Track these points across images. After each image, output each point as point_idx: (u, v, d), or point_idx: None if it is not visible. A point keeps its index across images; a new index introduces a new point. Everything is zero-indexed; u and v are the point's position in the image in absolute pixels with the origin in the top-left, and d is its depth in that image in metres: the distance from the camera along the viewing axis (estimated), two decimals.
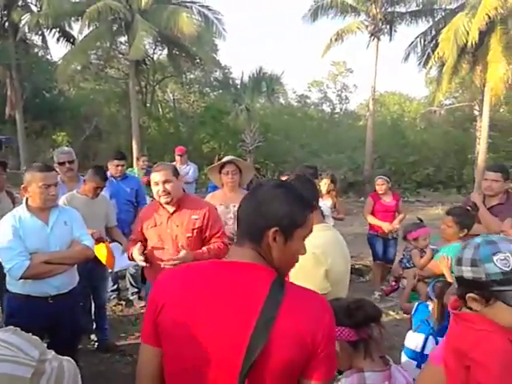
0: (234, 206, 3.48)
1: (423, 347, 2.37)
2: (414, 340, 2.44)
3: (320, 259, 1.84)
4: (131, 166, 8.55)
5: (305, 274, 1.91)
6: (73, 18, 14.58)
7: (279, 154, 19.27)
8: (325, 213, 3.45)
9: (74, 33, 15.15)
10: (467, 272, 1.15)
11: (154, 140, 19.91)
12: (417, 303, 2.76)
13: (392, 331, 3.75)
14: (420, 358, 2.37)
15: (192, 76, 21.90)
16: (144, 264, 2.71)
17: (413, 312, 2.75)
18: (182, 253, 2.58)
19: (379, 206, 5.29)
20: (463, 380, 1.17)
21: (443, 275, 2.92)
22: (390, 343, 3.42)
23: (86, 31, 14.17)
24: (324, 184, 5.12)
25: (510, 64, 13.76)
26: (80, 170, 4.21)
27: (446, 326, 2.34)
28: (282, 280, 1.11)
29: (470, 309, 1.18)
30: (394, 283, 3.53)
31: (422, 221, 3.29)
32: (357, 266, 6.92)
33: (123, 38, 16.33)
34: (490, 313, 1.13)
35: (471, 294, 1.15)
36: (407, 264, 3.20)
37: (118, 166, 4.59)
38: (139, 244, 2.74)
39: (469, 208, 3.13)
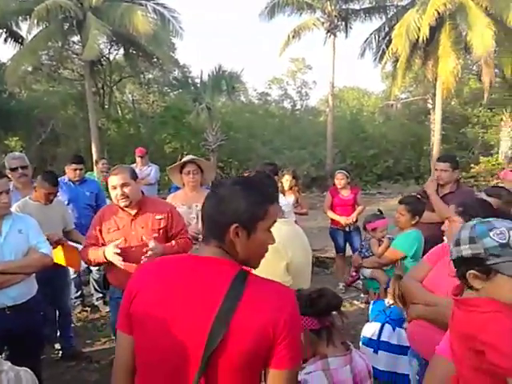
0: (197, 206, 3.47)
1: (379, 334, 2.48)
2: (370, 329, 2.57)
3: (280, 252, 1.89)
4: (91, 170, 8.32)
5: (266, 267, 1.95)
6: (20, 17, 13.96)
7: (242, 152, 19.32)
8: (286, 209, 3.51)
9: (23, 33, 14.51)
10: (466, 250, 1.18)
11: (114, 142, 19.43)
12: (372, 302, 2.90)
13: (356, 320, 3.86)
14: (376, 345, 2.49)
15: (150, 76, 21.51)
16: (121, 262, 2.59)
17: (370, 307, 2.87)
18: (151, 243, 2.61)
19: (338, 201, 5.44)
20: (473, 365, 1.17)
21: (400, 260, 3.05)
22: (355, 331, 3.54)
23: (35, 31, 13.59)
24: (286, 180, 5.19)
25: (458, 58, 14.41)
26: (38, 175, 4.05)
27: (402, 318, 2.47)
28: (244, 273, 1.15)
29: (471, 288, 1.20)
30: (354, 273, 3.65)
31: (381, 212, 3.42)
32: (321, 259, 7.08)
33: (76, 38, 15.78)
34: (492, 288, 1.15)
35: (472, 271, 1.17)
36: (366, 253, 3.32)
37: (75, 169, 4.47)
38: (117, 242, 2.65)
39: (419, 196, 3.28)
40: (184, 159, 3.52)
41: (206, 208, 1.22)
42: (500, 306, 1.15)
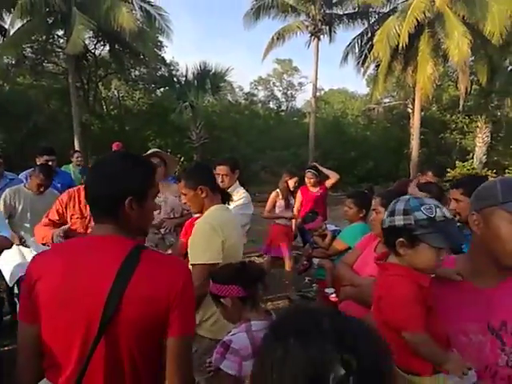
0: (159, 197, 3.63)
1: None
2: None
3: (217, 231, 2.11)
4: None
5: (205, 241, 2.15)
6: (4, 10, 13.88)
7: (226, 151, 19.43)
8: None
9: (6, 25, 14.42)
10: (399, 220, 1.33)
11: (98, 138, 19.37)
12: None
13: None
14: None
15: (137, 73, 21.52)
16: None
17: None
18: None
19: (307, 197, 5.64)
20: (382, 321, 1.32)
21: (346, 250, 3.26)
22: None
23: (18, 24, 13.53)
24: (294, 182, 5.32)
25: (436, 65, 14.82)
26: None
27: None
28: (139, 248, 1.22)
29: (397, 255, 1.36)
30: (305, 262, 3.87)
31: (317, 213, 3.59)
32: (293, 255, 7.32)
33: (61, 32, 15.74)
34: (414, 255, 1.31)
35: (401, 239, 1.32)
36: (315, 245, 3.53)
37: (47, 161, 4.59)
38: (65, 227, 2.69)
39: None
40: (147, 152, 3.66)
41: (94, 188, 1.25)
42: (406, 271, 1.32)
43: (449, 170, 15.93)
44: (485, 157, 17.45)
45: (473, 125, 18.66)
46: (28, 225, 3.73)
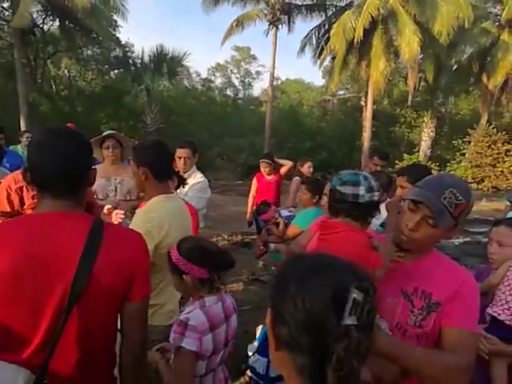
0: (116, 179, 3.62)
1: (267, 370, 2.60)
2: (256, 363, 2.69)
3: (152, 234, 1.97)
4: (18, 144, 8.02)
5: None
6: None
7: (182, 137, 19.09)
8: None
9: None
10: (377, 196, 1.59)
11: (48, 119, 18.45)
12: (261, 326, 3.10)
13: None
14: (268, 381, 2.55)
15: (89, 52, 20.63)
16: None
17: (259, 330, 3.11)
18: None
19: (262, 184, 5.81)
20: None
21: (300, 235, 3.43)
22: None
23: None
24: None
25: (388, 61, 15.42)
26: None
27: None
28: (100, 222, 1.28)
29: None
30: (262, 247, 4.02)
31: (268, 204, 3.74)
32: (246, 240, 7.50)
33: (6, 4, 14.77)
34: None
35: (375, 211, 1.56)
36: (270, 232, 3.67)
37: None
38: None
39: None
40: (104, 134, 3.63)
41: (49, 168, 1.21)
42: (352, 227, 1.51)
43: (397, 162, 16.75)
44: (429, 150, 18.46)
45: (420, 120, 19.64)
46: None
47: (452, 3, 14.38)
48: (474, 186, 17.33)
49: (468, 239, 8.48)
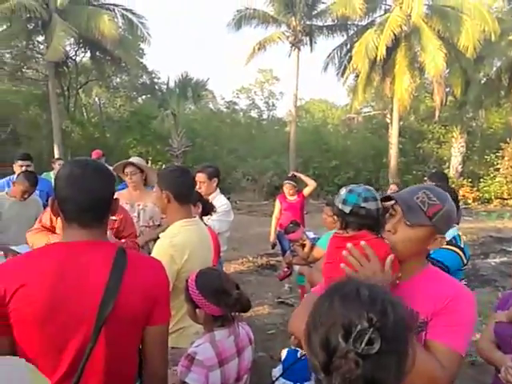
0: (139, 205, 3.68)
1: None
2: None
3: (175, 259, 2.01)
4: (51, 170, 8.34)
5: None
6: None
7: (208, 159, 19.43)
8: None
9: None
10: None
11: (79, 145, 19.19)
12: (286, 349, 3.09)
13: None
14: None
15: (118, 80, 21.46)
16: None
17: (284, 353, 3.09)
18: (108, 233, 2.73)
19: (286, 205, 5.77)
20: None
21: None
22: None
23: None
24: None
25: (413, 77, 15.27)
26: None
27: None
28: (123, 250, 1.32)
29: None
30: (286, 269, 3.96)
31: (298, 224, 3.69)
32: (272, 262, 7.41)
33: (41, 38, 15.64)
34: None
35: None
36: (295, 253, 3.61)
37: (21, 166, 4.57)
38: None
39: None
40: (122, 161, 3.73)
41: (76, 196, 1.26)
42: (376, 236, 1.49)
43: (425, 178, 16.33)
44: (460, 166, 17.96)
45: (449, 135, 19.19)
46: (12, 233, 3.72)
47: (477, 17, 14.22)
48: (511, 202, 16.66)
49: (505, 259, 8.08)
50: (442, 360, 1.22)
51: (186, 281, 1.73)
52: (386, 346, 0.78)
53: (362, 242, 1.33)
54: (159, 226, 3.64)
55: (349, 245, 1.33)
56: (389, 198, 1.42)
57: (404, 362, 0.83)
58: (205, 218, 3.12)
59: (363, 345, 0.77)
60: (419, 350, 1.18)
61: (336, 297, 0.87)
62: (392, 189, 3.91)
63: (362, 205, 1.55)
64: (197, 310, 1.69)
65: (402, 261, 1.34)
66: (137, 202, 3.63)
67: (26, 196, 3.73)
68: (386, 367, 0.79)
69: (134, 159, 3.75)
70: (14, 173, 4.71)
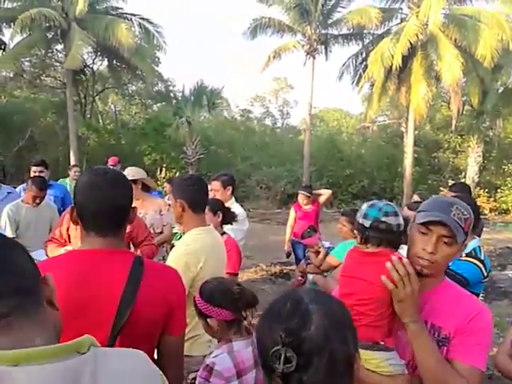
0: (140, 213, 3.69)
1: None
2: None
3: (189, 267, 2.02)
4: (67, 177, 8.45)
5: None
6: (4, 24, 14.08)
7: (222, 167, 19.48)
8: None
9: (6, 39, 14.61)
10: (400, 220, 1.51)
11: (94, 151, 19.44)
12: None
13: None
14: None
15: (134, 88, 21.76)
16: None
17: None
18: None
19: (301, 214, 5.73)
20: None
21: (338, 266, 3.29)
22: None
23: (18, 38, 13.74)
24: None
25: (430, 86, 15.13)
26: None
27: None
28: (140, 258, 1.33)
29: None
30: (300, 278, 3.89)
31: (315, 229, 3.64)
32: (286, 271, 7.34)
33: (60, 46, 15.96)
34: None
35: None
36: (309, 261, 3.56)
37: (34, 172, 4.65)
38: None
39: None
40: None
41: (97, 204, 1.27)
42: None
43: (442, 188, 16.11)
44: (477, 176, 17.66)
45: (465, 144, 18.92)
46: (28, 238, 3.76)
47: (495, 26, 14.05)
48: None
49: None
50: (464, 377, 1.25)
51: (194, 297, 1.74)
52: (305, 361, 0.78)
53: (405, 260, 1.31)
54: (161, 233, 3.66)
55: (394, 258, 1.31)
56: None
57: (342, 368, 0.81)
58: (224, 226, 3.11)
59: (281, 364, 0.78)
60: (445, 363, 1.23)
61: (267, 317, 0.88)
62: (414, 199, 3.82)
63: (383, 219, 1.52)
64: (208, 321, 1.69)
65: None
66: (138, 210, 3.65)
67: (37, 201, 3.79)
68: (314, 381, 0.79)
69: (127, 171, 3.77)
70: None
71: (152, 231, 3.65)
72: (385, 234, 1.52)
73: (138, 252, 3.01)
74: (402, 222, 1.50)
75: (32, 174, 4.69)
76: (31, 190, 3.75)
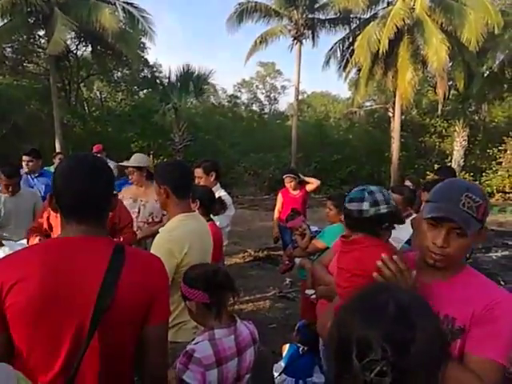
0: (141, 201, 3.72)
1: None
2: (284, 383, 2.78)
3: (173, 253, 2.01)
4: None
5: None
6: None
7: (210, 153, 19.40)
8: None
9: None
10: (384, 209, 1.53)
11: (80, 139, 19.17)
12: (288, 345, 3.09)
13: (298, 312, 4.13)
14: None
15: (119, 74, 21.40)
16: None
17: (286, 348, 3.09)
18: None
19: (288, 199, 5.76)
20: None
21: (325, 250, 3.35)
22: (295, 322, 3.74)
23: None
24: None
25: (416, 70, 15.16)
26: None
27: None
28: (121, 246, 1.31)
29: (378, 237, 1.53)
30: (287, 262, 3.96)
31: (297, 212, 3.68)
32: (273, 256, 7.43)
33: (42, 32, 15.57)
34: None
35: (386, 224, 1.54)
36: (295, 244, 3.62)
37: (24, 161, 4.63)
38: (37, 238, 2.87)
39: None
40: (120, 163, 3.84)
41: (81, 192, 1.25)
42: (377, 241, 1.50)
43: (428, 172, 16.31)
44: (462, 160, 17.89)
45: (451, 129, 19.11)
46: (12, 227, 3.76)
47: (480, 10, 14.06)
48: None
49: (507, 253, 8.09)
50: (480, 372, 1.15)
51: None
52: (401, 378, 0.72)
53: (395, 257, 1.28)
54: (160, 222, 3.67)
55: (384, 257, 1.28)
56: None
57: None
58: None
59: (372, 375, 0.72)
60: (456, 367, 1.14)
61: (359, 308, 0.80)
62: (406, 184, 3.88)
63: (346, 205, 1.58)
64: (187, 303, 1.71)
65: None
66: (140, 197, 3.68)
67: (11, 189, 3.73)
68: None
69: (133, 158, 3.80)
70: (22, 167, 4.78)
71: (151, 220, 3.67)
72: (354, 220, 1.56)
73: (121, 239, 3.02)
74: (367, 207, 1.50)
75: (25, 165, 4.69)
76: (1, 179, 3.70)
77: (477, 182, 17.70)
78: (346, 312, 0.81)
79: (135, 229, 3.52)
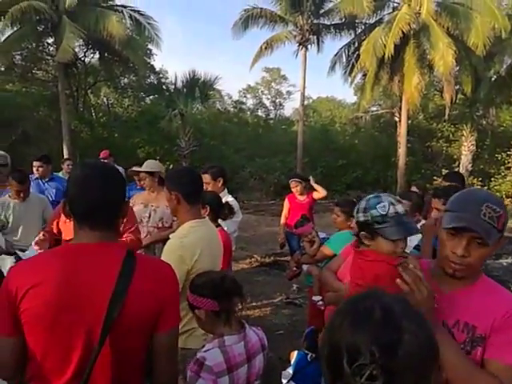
0: (152, 206, 3.73)
1: None
2: None
3: (184, 260, 2.02)
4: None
5: None
6: None
7: (215, 159, 19.48)
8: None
9: None
10: (361, 217, 1.54)
11: (87, 145, 19.32)
12: (296, 352, 3.06)
13: (306, 319, 4.09)
14: None
15: (126, 80, 21.59)
16: (33, 246, 2.86)
17: (294, 355, 3.05)
18: None
19: (295, 205, 5.75)
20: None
21: (333, 257, 3.34)
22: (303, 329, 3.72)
23: (8, 31, 13.56)
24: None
25: (422, 75, 15.12)
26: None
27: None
28: (132, 252, 1.32)
29: (364, 244, 1.57)
30: (294, 268, 3.94)
31: (308, 219, 3.65)
32: (280, 262, 7.40)
33: (50, 40, 15.78)
34: (375, 245, 1.52)
35: (363, 233, 1.54)
36: (303, 251, 3.59)
37: (35, 167, 4.70)
38: (41, 234, 2.92)
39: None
40: (132, 169, 3.86)
41: (91, 200, 1.27)
42: (381, 257, 1.50)
43: (435, 177, 16.21)
44: (470, 165, 17.75)
45: (458, 133, 18.98)
46: (21, 232, 3.79)
47: (487, 14, 14.03)
48: None
49: None
50: (502, 378, 1.16)
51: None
52: (391, 380, 0.72)
53: (411, 266, 1.27)
54: (170, 228, 3.67)
55: (410, 262, 1.30)
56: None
57: None
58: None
59: (363, 379, 0.72)
60: (476, 368, 1.16)
61: (348, 314, 0.81)
62: (413, 190, 3.86)
63: (358, 215, 1.58)
64: (196, 312, 1.70)
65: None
66: (151, 203, 3.70)
67: (22, 195, 3.76)
68: None
69: (146, 164, 3.84)
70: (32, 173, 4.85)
71: (161, 225, 3.67)
72: (358, 228, 1.59)
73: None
74: (364, 218, 1.52)
75: (35, 170, 4.78)
76: (11, 185, 3.74)
77: (485, 188, 17.57)
78: (336, 319, 0.83)
79: (145, 234, 3.52)
